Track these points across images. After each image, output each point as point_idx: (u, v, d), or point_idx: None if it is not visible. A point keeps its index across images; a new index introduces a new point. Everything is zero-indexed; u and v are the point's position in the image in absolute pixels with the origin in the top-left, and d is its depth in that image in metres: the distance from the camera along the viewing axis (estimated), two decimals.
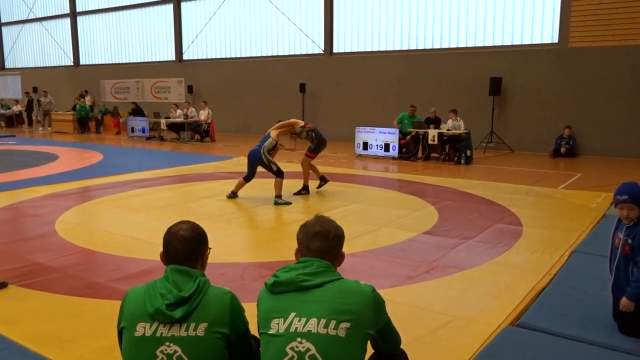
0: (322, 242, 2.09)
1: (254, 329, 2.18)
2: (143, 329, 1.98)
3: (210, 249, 2.25)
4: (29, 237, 5.94)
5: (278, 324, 1.97)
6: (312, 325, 1.92)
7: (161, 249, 3.86)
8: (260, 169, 8.01)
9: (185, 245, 2.09)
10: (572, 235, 5.87)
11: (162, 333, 1.97)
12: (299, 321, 1.94)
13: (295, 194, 8.31)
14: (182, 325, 1.98)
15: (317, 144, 8.39)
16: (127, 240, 5.80)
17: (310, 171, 8.59)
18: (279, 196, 7.73)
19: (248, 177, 8.02)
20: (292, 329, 1.94)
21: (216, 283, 3.27)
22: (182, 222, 2.19)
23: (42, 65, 28.27)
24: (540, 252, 5.29)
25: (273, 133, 7.97)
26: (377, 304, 2.03)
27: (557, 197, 8.18)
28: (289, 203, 7.74)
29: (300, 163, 8.62)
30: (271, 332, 1.97)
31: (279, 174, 7.77)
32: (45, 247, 5.50)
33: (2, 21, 30.09)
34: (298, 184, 8.59)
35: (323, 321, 1.92)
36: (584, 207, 7.37)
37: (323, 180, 8.68)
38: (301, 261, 2.09)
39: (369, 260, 5.09)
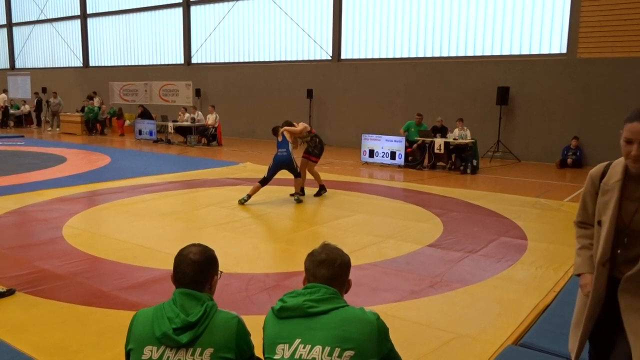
0: (328, 269, 2.12)
1: (258, 348, 2.21)
2: (150, 352, 2.02)
3: (221, 272, 2.28)
4: (36, 243, 6.00)
5: (283, 349, 2.00)
6: (317, 352, 1.94)
7: (166, 256, 3.88)
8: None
9: (194, 269, 2.12)
10: None
11: (168, 357, 2.00)
12: (304, 348, 1.96)
13: (315, 195, 8.84)
14: (188, 350, 2.00)
15: (320, 148, 8.94)
16: (133, 247, 5.84)
17: (308, 177, 9.03)
18: (297, 193, 8.51)
19: (266, 181, 8.36)
20: (296, 356, 1.96)
21: (221, 294, 3.31)
22: (193, 245, 2.23)
23: (51, 66, 28.48)
24: (545, 268, 5.29)
25: (287, 135, 8.39)
26: (381, 332, 2.05)
27: (563, 210, 8.17)
28: (301, 200, 8.46)
29: (308, 170, 8.94)
30: (276, 357, 2.00)
31: (300, 174, 8.53)
32: (53, 253, 5.55)
33: (13, 22, 30.35)
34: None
35: (327, 349, 1.95)
36: None
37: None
38: (308, 287, 2.11)
39: (374, 273, 5.10)
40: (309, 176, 9.00)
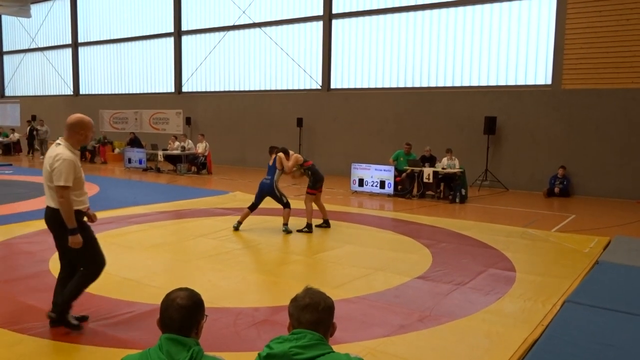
0: (312, 314, 2.12)
1: None
2: None
3: (207, 316, 2.27)
4: (21, 277, 5.92)
5: None
6: None
7: (154, 290, 3.86)
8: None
9: (181, 314, 2.12)
10: (564, 283, 5.90)
11: None
12: None
13: (298, 230, 8.50)
14: None
15: (314, 180, 8.74)
16: (121, 281, 5.79)
17: (317, 209, 8.83)
18: (286, 224, 8.39)
19: (253, 207, 8.53)
20: None
21: (209, 330, 3.28)
22: (180, 289, 2.22)
23: (42, 94, 28.51)
24: (533, 301, 5.31)
25: (278, 162, 8.47)
26: None
27: (550, 240, 8.23)
28: (290, 232, 8.36)
29: (314, 203, 8.82)
30: None
31: (287, 205, 8.39)
32: (39, 287, 5.48)
33: (4, 50, 30.46)
34: (300, 221, 8.78)
35: None
36: (577, 252, 7.41)
37: (326, 223, 8.94)
38: (294, 333, 2.11)
39: (362, 307, 5.09)
40: (315, 208, 8.84)
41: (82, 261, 4.41)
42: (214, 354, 2.17)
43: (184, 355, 2.04)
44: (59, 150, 4.22)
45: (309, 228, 8.53)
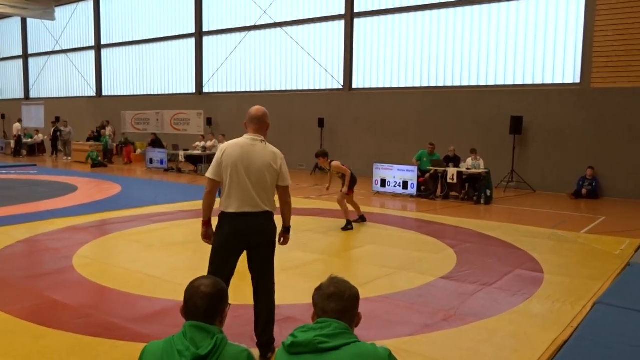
0: (337, 303, 2.07)
1: None
2: None
3: (230, 304, 2.23)
4: (46, 272, 5.97)
5: None
6: None
7: (176, 287, 3.81)
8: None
9: (206, 302, 2.09)
10: (594, 285, 5.73)
11: None
12: None
13: (342, 229, 8.64)
14: None
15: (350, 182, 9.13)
16: (143, 277, 5.80)
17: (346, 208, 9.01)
18: None
19: None
20: None
21: (230, 326, 3.23)
22: (204, 277, 2.19)
23: (65, 96, 28.96)
24: (562, 302, 5.16)
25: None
26: None
27: (579, 242, 8.02)
28: None
29: (338, 201, 9.20)
30: None
31: None
32: (62, 283, 5.52)
33: (29, 52, 31.02)
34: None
35: None
36: (607, 253, 7.21)
37: (362, 219, 9.26)
38: (319, 321, 2.06)
39: (386, 306, 5.00)
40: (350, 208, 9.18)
41: (273, 264, 4.09)
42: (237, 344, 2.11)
43: (208, 343, 1.99)
44: (274, 149, 3.89)
45: (351, 225, 8.76)
